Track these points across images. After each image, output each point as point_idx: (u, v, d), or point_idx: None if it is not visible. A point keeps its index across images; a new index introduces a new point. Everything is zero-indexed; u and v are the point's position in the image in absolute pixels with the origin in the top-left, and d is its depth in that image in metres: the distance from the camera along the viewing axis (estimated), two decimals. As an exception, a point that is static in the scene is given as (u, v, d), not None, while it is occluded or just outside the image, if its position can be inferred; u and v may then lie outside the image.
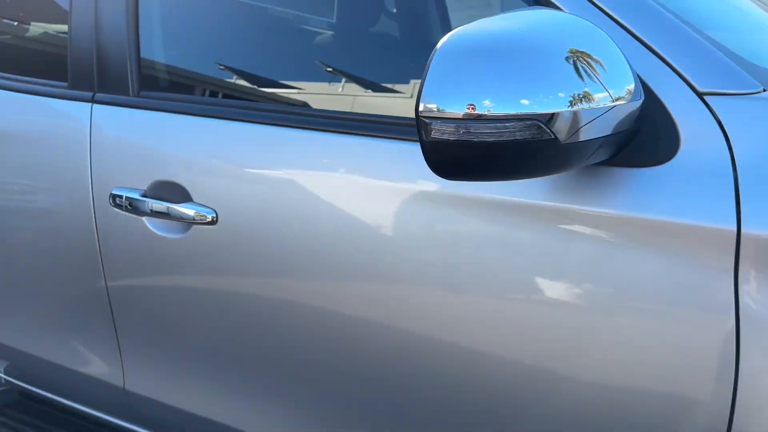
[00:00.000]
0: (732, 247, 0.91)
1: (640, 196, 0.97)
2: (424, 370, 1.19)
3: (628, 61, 0.89)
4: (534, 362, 1.08)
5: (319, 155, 1.25)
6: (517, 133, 0.80)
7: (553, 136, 0.80)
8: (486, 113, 0.80)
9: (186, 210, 1.36)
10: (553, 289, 1.04)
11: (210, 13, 1.51)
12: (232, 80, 1.54)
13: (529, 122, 0.79)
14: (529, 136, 0.80)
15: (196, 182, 1.36)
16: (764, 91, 0.96)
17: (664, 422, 1.00)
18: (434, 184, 1.08)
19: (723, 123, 0.94)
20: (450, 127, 0.80)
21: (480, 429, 1.17)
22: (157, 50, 1.54)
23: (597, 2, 1.00)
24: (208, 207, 1.33)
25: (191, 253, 1.40)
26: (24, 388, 1.95)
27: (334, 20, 1.48)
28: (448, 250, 1.11)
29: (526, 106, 0.80)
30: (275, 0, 1.55)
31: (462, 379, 1.15)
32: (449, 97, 0.81)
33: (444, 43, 0.81)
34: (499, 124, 0.79)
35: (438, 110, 0.80)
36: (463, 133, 0.79)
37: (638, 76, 0.94)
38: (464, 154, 0.82)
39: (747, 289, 0.91)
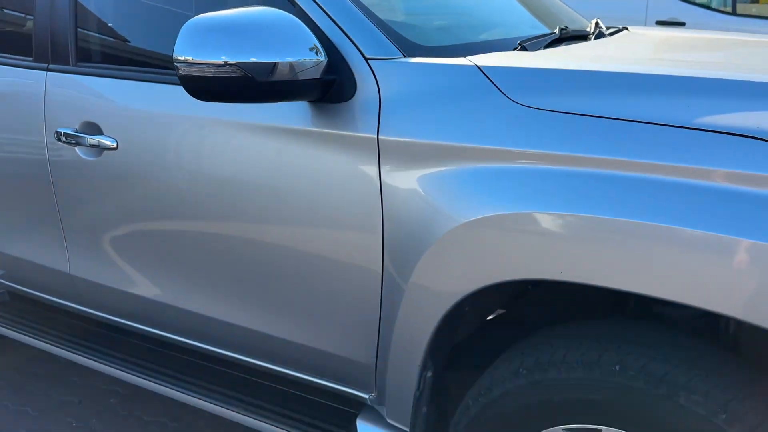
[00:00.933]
0: (375, 146, 1.56)
1: (339, 119, 1.62)
2: (238, 246, 1.86)
3: (314, 36, 1.55)
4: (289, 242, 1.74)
5: (173, 101, 1.92)
6: (231, 73, 1.47)
7: (251, 76, 1.47)
8: (213, 61, 1.47)
9: (99, 139, 2.05)
10: (288, 180, 1.70)
11: (119, 7, 2.22)
12: (133, 53, 2.23)
13: (235, 67, 1.46)
14: (239, 74, 1.47)
15: (105, 121, 2.05)
16: (403, 57, 1.61)
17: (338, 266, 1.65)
18: (242, 118, 1.75)
19: (377, 76, 1.59)
20: (195, 69, 1.47)
21: (282, 279, 1.82)
22: (87, 34, 2.25)
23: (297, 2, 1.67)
24: (112, 137, 2.03)
25: (104, 170, 2.09)
26: (11, 287, 2.68)
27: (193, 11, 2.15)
28: (240, 163, 1.78)
29: (237, 57, 1.47)
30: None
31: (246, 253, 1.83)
32: (196, 51, 1.48)
33: (191, 21, 1.49)
34: (220, 68, 1.46)
35: (187, 59, 1.48)
36: (198, 73, 1.47)
37: (334, 47, 1.61)
38: (203, 86, 1.49)
39: (386, 170, 1.56)
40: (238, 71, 1.47)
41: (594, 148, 1.34)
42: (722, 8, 6.64)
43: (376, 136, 1.56)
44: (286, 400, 1.99)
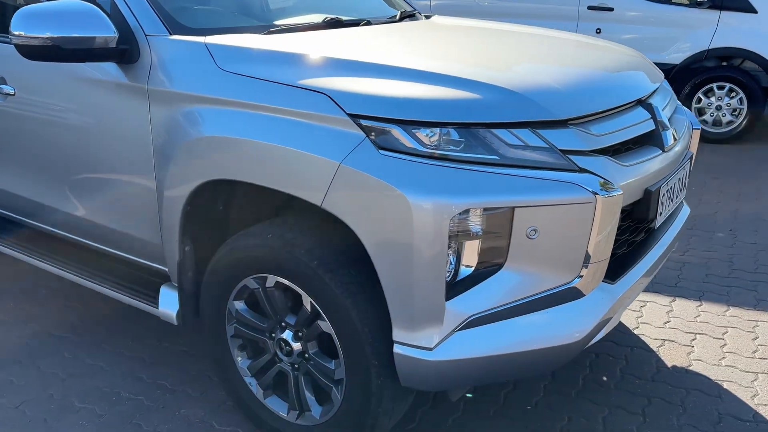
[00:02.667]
0: (146, 92, 2.40)
1: (129, 75, 2.46)
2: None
3: (110, 19, 2.38)
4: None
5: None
6: (48, 43, 2.31)
7: (59, 45, 2.32)
8: (37, 35, 2.31)
9: (3, 88, 2.94)
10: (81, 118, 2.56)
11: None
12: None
13: (49, 39, 2.31)
14: (52, 44, 2.32)
15: (8, 75, 2.93)
16: (169, 35, 2.43)
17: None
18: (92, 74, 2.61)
19: (150, 47, 2.42)
20: (25, 40, 2.33)
21: (99, 182, 2.70)
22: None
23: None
24: (11, 86, 2.91)
25: (7, 110, 2.98)
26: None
27: None
28: (80, 100, 2.64)
29: (51, 32, 2.31)
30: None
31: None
32: (26, 28, 2.33)
33: (23, 9, 2.34)
34: (41, 40, 2.31)
35: (20, 34, 2.33)
36: (28, 42, 2.32)
37: (129, 27, 2.44)
38: (31, 51, 2.34)
39: (153, 107, 2.40)
40: (51, 42, 2.32)
41: (251, 96, 2.16)
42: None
43: (146, 86, 2.41)
44: (116, 271, 2.88)
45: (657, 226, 2.33)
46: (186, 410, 2.77)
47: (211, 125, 2.26)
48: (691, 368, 2.97)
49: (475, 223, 1.90)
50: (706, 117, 7.10)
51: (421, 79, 2.03)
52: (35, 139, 2.91)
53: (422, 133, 1.93)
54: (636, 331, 3.27)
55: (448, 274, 1.94)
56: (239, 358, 2.51)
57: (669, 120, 2.55)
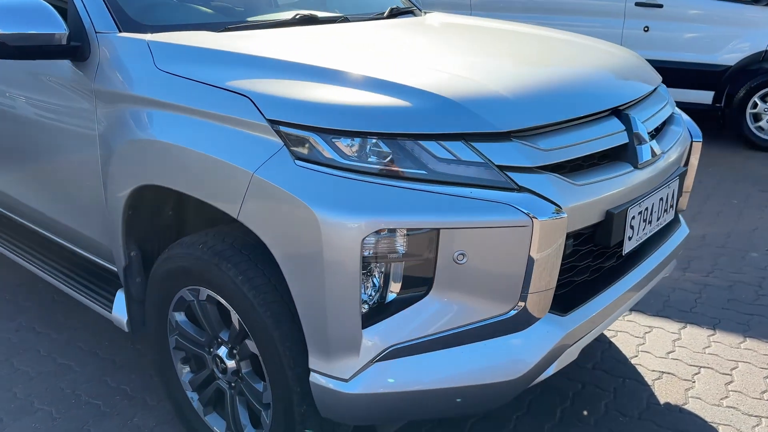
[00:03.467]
0: (92, 92, 2.31)
1: (81, 73, 2.38)
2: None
3: (58, 16, 2.30)
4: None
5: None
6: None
7: (5, 42, 2.25)
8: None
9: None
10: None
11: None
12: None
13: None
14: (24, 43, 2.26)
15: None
16: (119, 32, 2.33)
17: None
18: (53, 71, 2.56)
19: (99, 45, 2.33)
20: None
21: (53, 177, 2.64)
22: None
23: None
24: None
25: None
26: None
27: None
28: (37, 97, 2.59)
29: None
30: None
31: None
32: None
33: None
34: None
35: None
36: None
37: (82, 23, 2.35)
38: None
39: (98, 107, 2.31)
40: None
41: (180, 98, 2.03)
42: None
43: (93, 85, 2.32)
44: (77, 268, 2.83)
45: (626, 251, 2.07)
46: (138, 419, 2.69)
47: (143, 128, 2.14)
48: (686, 407, 2.67)
49: (396, 244, 1.71)
50: (762, 123, 6.58)
51: (349, 84, 1.85)
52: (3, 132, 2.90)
53: (343, 143, 1.75)
54: (633, 361, 2.98)
55: (371, 299, 1.76)
56: (182, 371, 2.40)
57: (656, 132, 2.28)
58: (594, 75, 2.19)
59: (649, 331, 3.22)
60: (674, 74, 6.39)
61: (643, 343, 3.12)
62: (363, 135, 1.74)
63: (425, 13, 3.40)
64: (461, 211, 1.68)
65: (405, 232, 1.69)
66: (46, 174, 2.69)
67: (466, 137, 1.75)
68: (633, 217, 2.01)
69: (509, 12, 7.49)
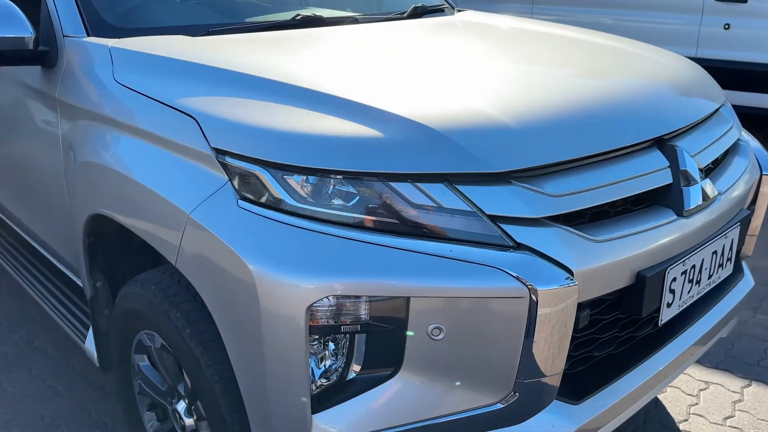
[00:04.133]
0: (56, 103, 2.05)
1: (48, 80, 2.13)
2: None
3: (24, 17, 2.05)
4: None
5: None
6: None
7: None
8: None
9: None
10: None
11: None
12: None
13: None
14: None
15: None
16: (87, 36, 2.06)
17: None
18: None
19: (66, 50, 2.06)
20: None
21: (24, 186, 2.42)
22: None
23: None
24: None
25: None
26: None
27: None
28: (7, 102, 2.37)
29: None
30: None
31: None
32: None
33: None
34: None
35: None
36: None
37: (52, 26, 2.10)
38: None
39: (62, 119, 2.05)
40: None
41: (130, 116, 1.74)
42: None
43: (56, 96, 2.06)
44: (65, 285, 2.60)
45: (664, 321, 1.64)
46: (111, 460, 2.45)
47: (94, 149, 1.86)
48: (743, 493, 2.21)
49: (355, 313, 1.36)
50: None
51: (313, 105, 1.50)
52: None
53: (295, 181, 1.41)
54: (682, 426, 2.52)
55: (327, 378, 1.42)
56: (146, 418, 2.13)
57: (714, 166, 1.83)
58: (633, 94, 1.74)
59: (705, 388, 2.74)
60: (758, 78, 5.73)
61: (697, 404, 2.64)
62: (320, 173, 1.39)
63: (458, 11, 3.01)
64: (438, 274, 1.31)
65: (366, 298, 1.34)
66: (23, 186, 2.48)
67: (450, 178, 1.37)
68: (674, 279, 1.58)
69: (576, 7, 6.94)
